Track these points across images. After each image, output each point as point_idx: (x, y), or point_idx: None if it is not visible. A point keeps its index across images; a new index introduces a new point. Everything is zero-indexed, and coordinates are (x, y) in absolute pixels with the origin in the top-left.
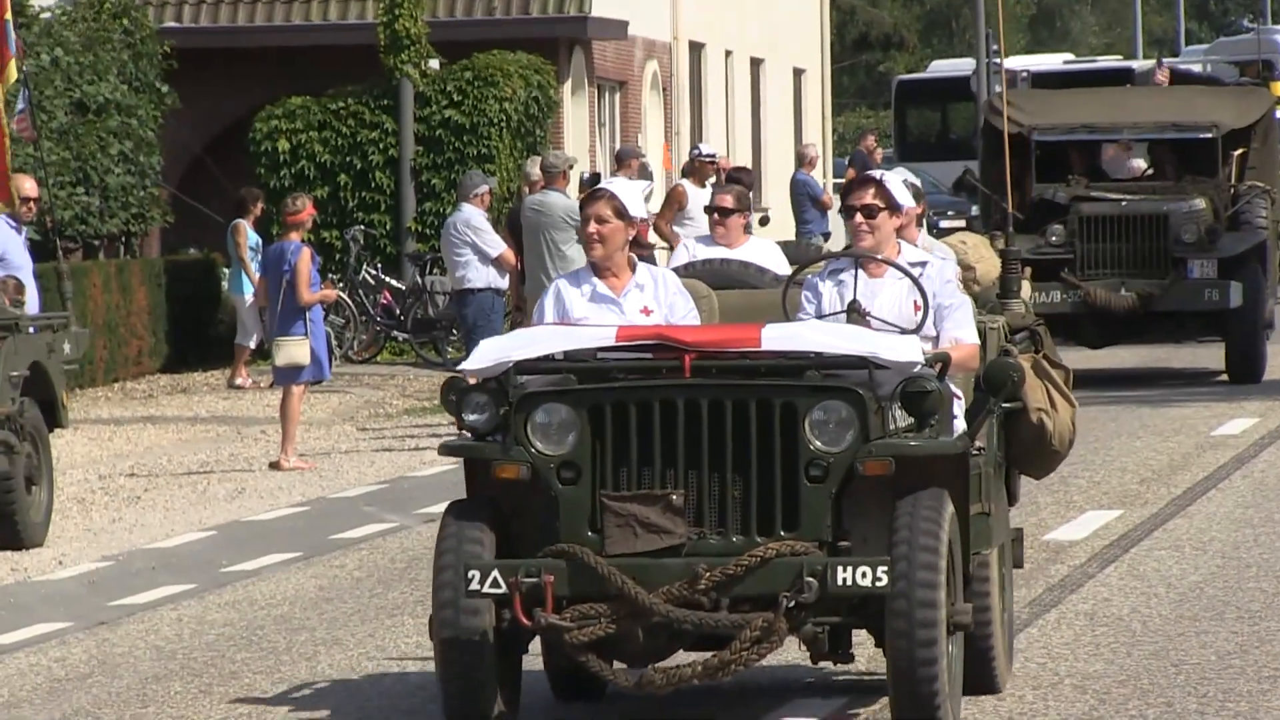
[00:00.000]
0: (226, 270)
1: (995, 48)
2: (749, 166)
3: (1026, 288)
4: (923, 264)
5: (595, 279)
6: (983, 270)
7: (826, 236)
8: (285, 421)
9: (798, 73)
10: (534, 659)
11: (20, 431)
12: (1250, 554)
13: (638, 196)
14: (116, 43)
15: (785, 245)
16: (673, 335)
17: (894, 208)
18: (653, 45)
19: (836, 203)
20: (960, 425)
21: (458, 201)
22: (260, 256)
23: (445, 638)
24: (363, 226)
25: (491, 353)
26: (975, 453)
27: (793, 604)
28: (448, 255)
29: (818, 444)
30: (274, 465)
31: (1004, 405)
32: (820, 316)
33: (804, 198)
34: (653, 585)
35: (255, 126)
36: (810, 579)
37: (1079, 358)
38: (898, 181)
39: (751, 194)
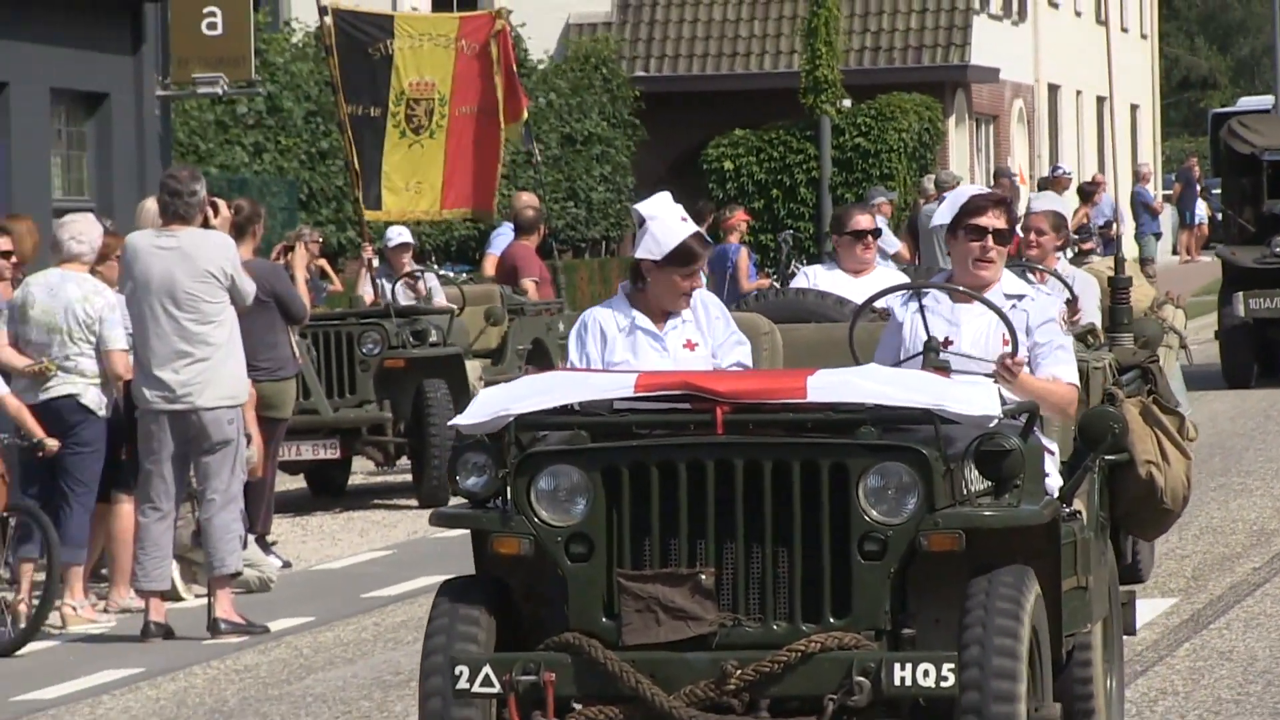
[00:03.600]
0: None
1: None
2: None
3: (1180, 316)
4: (1019, 297)
5: (635, 310)
6: (1134, 299)
7: (1158, 236)
8: None
9: (1133, 107)
10: None
11: None
12: None
13: (672, 217)
14: (598, 88)
15: (904, 271)
16: (702, 384)
17: (1012, 235)
18: (1019, 87)
19: (1167, 209)
20: (1055, 482)
21: None
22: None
23: None
24: (792, 231)
25: (490, 404)
26: (1069, 518)
27: (841, 708)
28: None
29: (874, 514)
30: None
31: (1109, 458)
32: (902, 356)
33: (1140, 205)
34: (674, 684)
35: (706, 152)
36: (861, 678)
37: None
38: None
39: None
